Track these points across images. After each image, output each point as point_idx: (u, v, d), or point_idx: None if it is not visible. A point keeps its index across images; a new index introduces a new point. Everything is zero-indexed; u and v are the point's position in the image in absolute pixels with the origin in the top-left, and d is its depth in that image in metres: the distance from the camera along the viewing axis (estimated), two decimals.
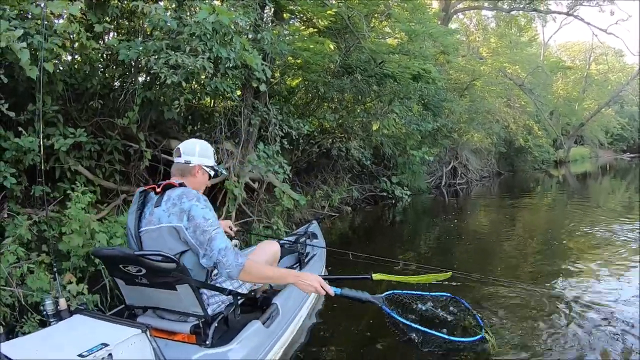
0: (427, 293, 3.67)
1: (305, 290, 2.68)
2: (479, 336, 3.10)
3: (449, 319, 3.46)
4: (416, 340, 3.09)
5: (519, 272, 4.95)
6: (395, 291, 3.54)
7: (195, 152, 2.80)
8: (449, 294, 3.70)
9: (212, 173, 2.88)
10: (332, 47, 8.06)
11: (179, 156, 2.78)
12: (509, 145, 20.41)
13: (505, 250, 6.11)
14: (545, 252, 5.57)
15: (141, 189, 2.72)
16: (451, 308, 3.60)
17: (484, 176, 18.39)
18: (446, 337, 3.05)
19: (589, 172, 22.63)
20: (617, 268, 4.85)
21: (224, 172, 2.99)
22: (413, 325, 3.06)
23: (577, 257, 5.39)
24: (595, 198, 12.40)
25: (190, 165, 2.76)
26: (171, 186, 2.60)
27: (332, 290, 2.69)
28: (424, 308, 3.56)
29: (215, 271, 2.67)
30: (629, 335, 3.22)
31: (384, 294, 3.42)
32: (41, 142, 3.27)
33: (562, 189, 15.89)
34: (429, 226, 8.86)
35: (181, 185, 2.62)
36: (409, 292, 3.59)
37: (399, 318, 3.09)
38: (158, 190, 2.60)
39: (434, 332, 3.05)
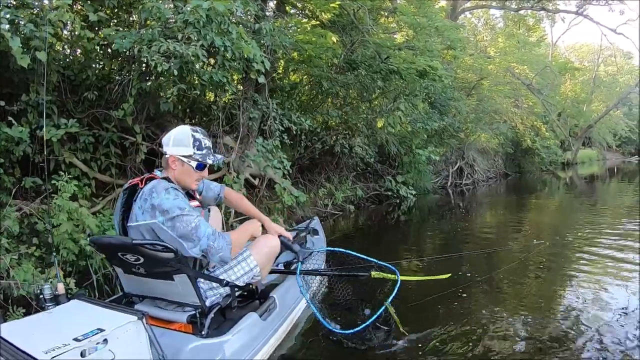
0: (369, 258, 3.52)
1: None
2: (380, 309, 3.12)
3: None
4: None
5: (520, 274, 4.81)
6: (336, 248, 3.68)
7: (170, 141, 2.53)
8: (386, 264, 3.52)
9: (192, 164, 2.55)
10: (334, 39, 7.91)
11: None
12: (516, 146, 20.26)
13: (508, 251, 5.93)
14: (548, 256, 5.40)
15: (126, 184, 2.59)
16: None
17: (491, 177, 18.18)
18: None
19: (597, 175, 22.30)
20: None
21: (209, 161, 2.60)
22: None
23: (579, 260, 5.23)
24: (603, 200, 12.17)
25: (166, 156, 2.54)
26: (154, 179, 2.48)
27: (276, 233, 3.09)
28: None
29: (212, 264, 2.65)
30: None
31: (324, 248, 3.85)
32: (45, 132, 3.19)
33: (569, 191, 15.68)
34: (434, 226, 8.67)
35: (164, 179, 2.51)
36: (350, 252, 3.58)
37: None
38: (141, 185, 2.47)
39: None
